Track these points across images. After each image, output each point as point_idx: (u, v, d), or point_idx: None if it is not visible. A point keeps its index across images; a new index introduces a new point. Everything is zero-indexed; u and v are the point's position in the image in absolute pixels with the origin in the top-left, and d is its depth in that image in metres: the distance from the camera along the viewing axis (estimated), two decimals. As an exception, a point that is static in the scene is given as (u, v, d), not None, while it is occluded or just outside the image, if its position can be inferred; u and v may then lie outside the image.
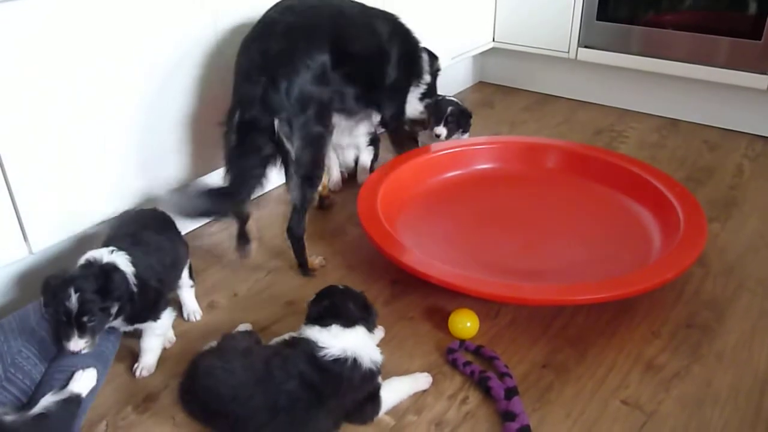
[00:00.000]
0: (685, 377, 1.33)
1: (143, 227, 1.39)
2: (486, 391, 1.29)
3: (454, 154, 2.05)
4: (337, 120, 1.74)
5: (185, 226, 1.85)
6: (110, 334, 1.34)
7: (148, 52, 1.54)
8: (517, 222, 1.83)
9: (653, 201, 1.79)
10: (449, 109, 2.09)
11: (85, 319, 1.17)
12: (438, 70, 2.11)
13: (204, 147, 1.73)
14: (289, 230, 1.66)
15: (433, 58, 2.06)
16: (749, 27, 2.23)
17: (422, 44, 1.96)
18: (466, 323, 1.42)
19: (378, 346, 1.35)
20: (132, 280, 1.24)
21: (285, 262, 1.73)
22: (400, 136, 2.06)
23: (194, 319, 1.52)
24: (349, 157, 2.12)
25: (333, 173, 2.10)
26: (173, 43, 1.59)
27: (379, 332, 1.44)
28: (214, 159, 1.71)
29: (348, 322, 1.23)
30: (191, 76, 1.66)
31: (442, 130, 2.09)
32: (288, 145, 1.52)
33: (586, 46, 2.55)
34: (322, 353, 1.17)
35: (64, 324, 1.18)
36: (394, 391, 1.27)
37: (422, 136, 2.25)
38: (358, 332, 1.23)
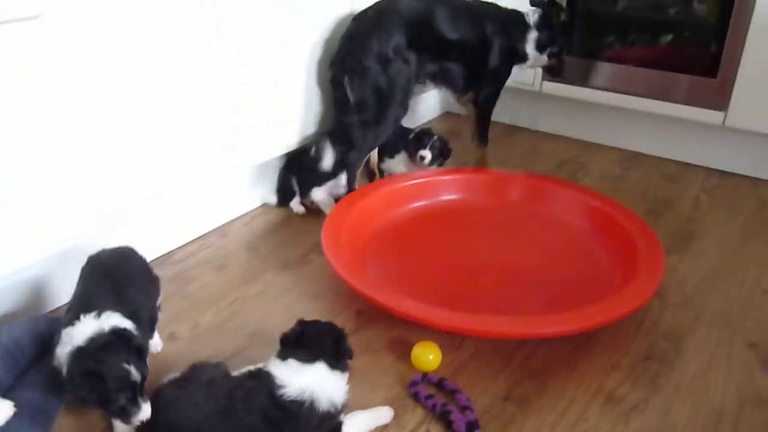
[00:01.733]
0: (644, 409, 1.35)
1: (120, 280, 1.32)
2: (447, 425, 1.28)
3: (420, 185, 2.07)
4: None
5: (147, 255, 1.83)
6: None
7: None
8: (481, 253, 1.85)
9: (613, 234, 1.83)
10: (434, 137, 2.20)
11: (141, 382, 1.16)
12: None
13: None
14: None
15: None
16: (706, 65, 2.30)
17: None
18: (428, 356, 1.42)
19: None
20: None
21: (248, 291, 1.71)
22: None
23: (154, 351, 1.49)
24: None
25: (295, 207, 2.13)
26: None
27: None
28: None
29: (307, 358, 1.20)
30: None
31: (427, 153, 2.15)
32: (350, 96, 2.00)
33: (550, 80, 2.61)
34: (280, 392, 1.15)
35: (124, 401, 1.13)
36: (355, 427, 1.25)
37: (387, 163, 2.29)
38: (318, 369, 1.20)
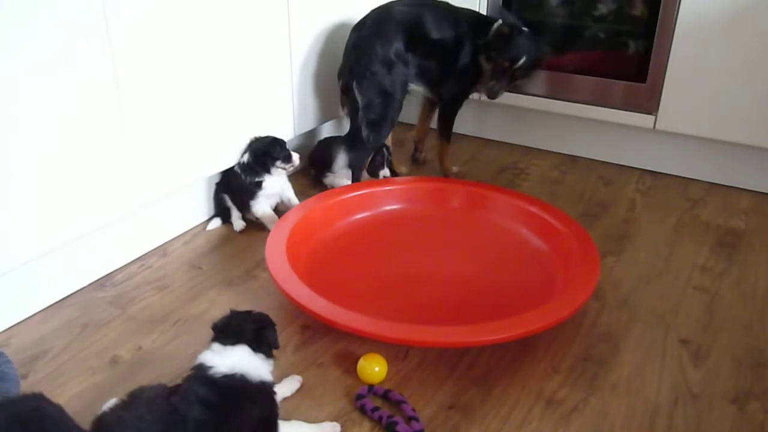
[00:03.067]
0: (583, 410, 1.39)
1: None
2: (394, 437, 1.30)
3: (362, 196, 2.09)
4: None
5: (87, 277, 1.80)
6: None
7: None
8: (424, 262, 1.87)
9: (551, 239, 1.88)
10: (385, 153, 2.33)
11: None
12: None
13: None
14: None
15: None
16: (636, 71, 2.39)
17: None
18: (374, 368, 1.44)
19: (288, 396, 1.38)
20: None
21: (191, 311, 1.70)
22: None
23: None
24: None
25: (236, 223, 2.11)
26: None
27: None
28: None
29: (227, 340, 1.25)
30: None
31: (386, 171, 2.30)
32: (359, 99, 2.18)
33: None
34: (211, 372, 1.20)
35: None
36: None
37: (330, 178, 2.30)
38: (240, 351, 1.24)
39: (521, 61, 2.15)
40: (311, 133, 2.53)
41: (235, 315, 1.32)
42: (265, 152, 2.03)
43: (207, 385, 1.19)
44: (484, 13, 2.50)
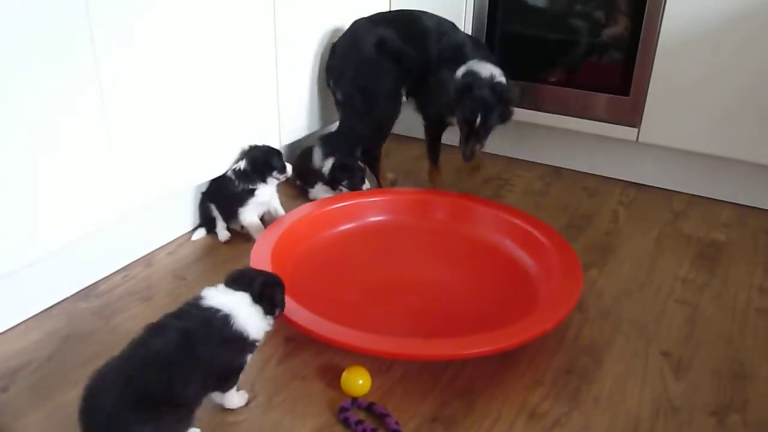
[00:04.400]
0: (565, 424, 1.40)
1: None
2: (377, 450, 1.30)
3: (347, 207, 2.09)
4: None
5: (71, 287, 1.79)
6: None
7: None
8: (408, 274, 1.88)
9: (535, 251, 1.89)
10: (355, 168, 2.31)
11: None
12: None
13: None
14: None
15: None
16: (619, 84, 2.41)
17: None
18: (358, 381, 1.44)
19: (271, 408, 1.39)
20: None
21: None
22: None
23: None
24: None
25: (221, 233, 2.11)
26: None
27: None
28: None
29: (234, 286, 1.35)
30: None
31: (368, 185, 2.29)
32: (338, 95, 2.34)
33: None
34: (201, 301, 1.31)
35: None
36: None
37: (311, 193, 2.31)
38: (240, 297, 1.33)
39: (478, 121, 2.05)
40: (293, 144, 2.54)
41: (250, 269, 1.44)
42: (265, 161, 2.03)
43: (192, 306, 1.30)
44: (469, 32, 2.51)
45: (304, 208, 2.05)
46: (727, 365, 1.59)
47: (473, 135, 2.08)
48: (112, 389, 1.16)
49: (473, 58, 2.15)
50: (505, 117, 2.10)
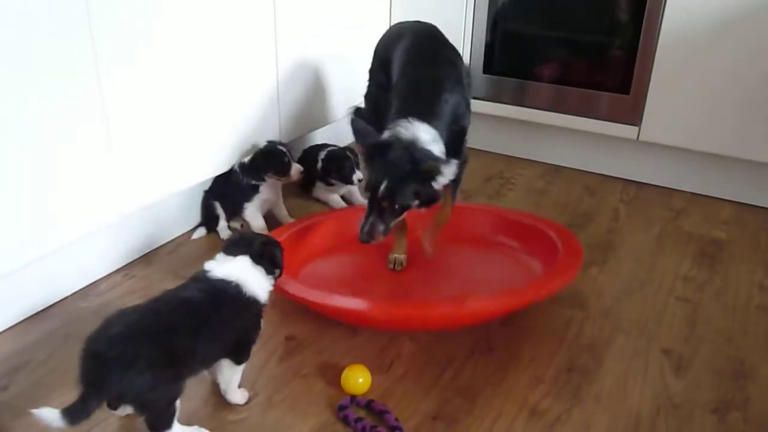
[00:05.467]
0: (566, 421, 1.40)
1: None
2: (377, 448, 1.30)
3: (355, 211, 2.07)
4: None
5: (71, 287, 1.79)
6: None
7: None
8: (409, 283, 1.87)
9: (542, 251, 1.89)
10: (348, 156, 2.28)
11: None
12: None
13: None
14: None
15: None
16: (620, 83, 2.41)
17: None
18: (358, 379, 1.44)
19: (272, 406, 1.39)
20: None
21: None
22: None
23: None
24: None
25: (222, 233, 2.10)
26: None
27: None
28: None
29: (233, 251, 1.35)
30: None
31: (359, 175, 2.23)
32: None
33: (474, 98, 2.67)
34: (207, 274, 1.31)
35: None
36: None
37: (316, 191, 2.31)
38: (241, 261, 1.34)
39: (382, 189, 1.57)
40: (296, 141, 2.54)
41: (248, 232, 1.45)
42: (264, 161, 2.05)
43: (200, 281, 1.30)
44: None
45: (306, 218, 2.04)
46: (727, 363, 1.59)
47: (384, 211, 1.61)
48: (130, 324, 1.17)
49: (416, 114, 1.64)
50: (423, 196, 1.59)
